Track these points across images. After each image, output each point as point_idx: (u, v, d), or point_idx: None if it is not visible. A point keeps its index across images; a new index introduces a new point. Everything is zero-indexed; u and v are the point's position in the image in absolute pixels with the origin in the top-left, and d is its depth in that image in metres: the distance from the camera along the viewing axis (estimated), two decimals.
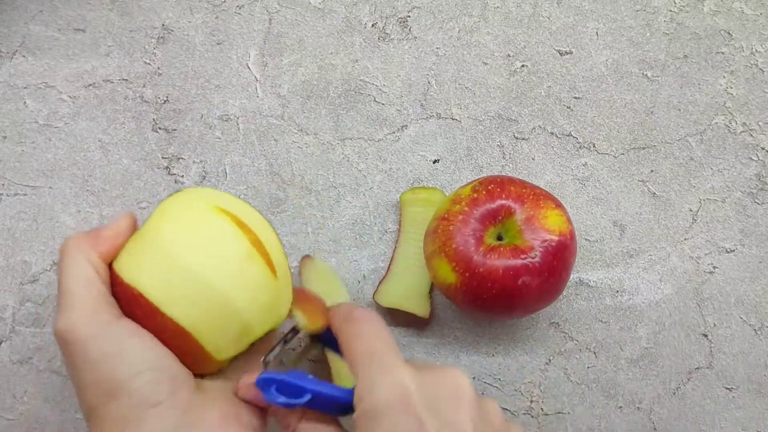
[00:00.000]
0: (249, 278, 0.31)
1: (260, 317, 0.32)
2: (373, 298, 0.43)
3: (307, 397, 0.29)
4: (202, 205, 0.33)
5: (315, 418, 0.31)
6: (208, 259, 0.30)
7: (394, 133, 0.47)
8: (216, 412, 0.30)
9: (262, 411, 0.32)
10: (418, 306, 0.42)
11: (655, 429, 0.42)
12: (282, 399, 0.29)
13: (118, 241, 0.32)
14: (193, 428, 0.29)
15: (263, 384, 0.30)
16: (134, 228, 0.34)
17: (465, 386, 0.28)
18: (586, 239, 0.45)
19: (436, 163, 0.46)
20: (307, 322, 0.34)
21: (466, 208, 0.38)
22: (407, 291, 0.43)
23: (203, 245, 0.31)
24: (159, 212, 0.33)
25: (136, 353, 0.29)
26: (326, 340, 0.34)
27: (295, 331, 0.34)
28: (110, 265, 0.32)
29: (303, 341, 0.35)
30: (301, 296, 0.36)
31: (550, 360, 0.43)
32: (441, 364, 0.43)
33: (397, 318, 0.43)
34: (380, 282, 0.43)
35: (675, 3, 0.49)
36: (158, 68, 0.47)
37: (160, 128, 0.46)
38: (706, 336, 0.44)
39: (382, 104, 0.47)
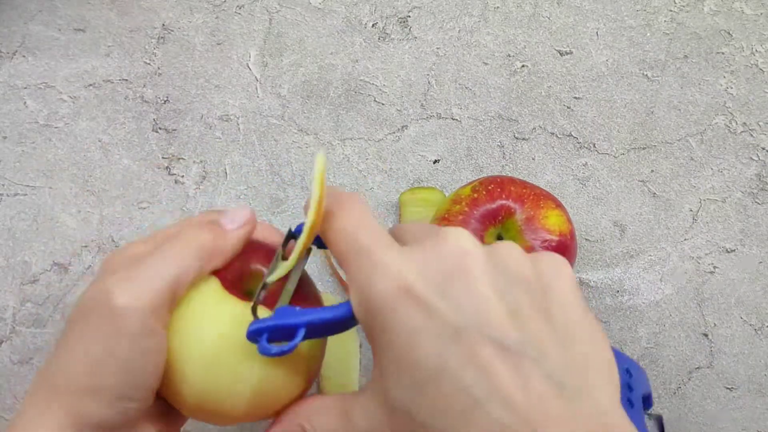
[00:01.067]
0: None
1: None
2: None
3: (300, 336, 0.26)
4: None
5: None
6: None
7: (394, 133, 0.47)
8: None
9: None
10: None
11: None
12: (275, 349, 0.26)
13: (230, 254, 0.29)
14: None
15: (254, 335, 0.26)
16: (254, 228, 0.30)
17: (468, 248, 0.23)
18: (586, 239, 0.45)
19: (437, 163, 0.46)
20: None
21: (466, 209, 0.38)
22: None
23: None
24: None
25: (145, 376, 0.26)
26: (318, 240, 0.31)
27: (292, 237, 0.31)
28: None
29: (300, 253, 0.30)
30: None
31: None
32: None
33: None
34: None
35: (675, 3, 0.49)
36: (158, 68, 0.47)
37: (160, 128, 0.46)
38: (706, 336, 0.44)
39: (383, 104, 0.47)
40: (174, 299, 0.26)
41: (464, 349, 0.21)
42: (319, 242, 0.29)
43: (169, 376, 0.28)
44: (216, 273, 0.29)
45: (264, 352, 0.26)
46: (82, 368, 0.26)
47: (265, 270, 0.30)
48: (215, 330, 0.27)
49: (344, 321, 0.26)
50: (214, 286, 0.28)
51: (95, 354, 0.25)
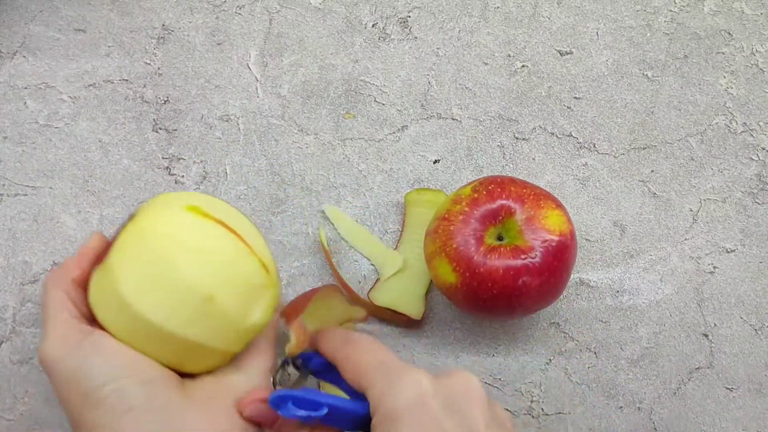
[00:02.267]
0: (221, 260, 0.31)
1: (241, 301, 0.31)
2: (368, 295, 0.43)
3: (324, 410, 0.30)
4: (173, 205, 0.33)
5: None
6: (186, 253, 0.31)
7: (394, 133, 0.47)
8: (199, 413, 0.30)
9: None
10: (413, 307, 0.42)
11: (655, 429, 0.42)
12: (302, 413, 0.30)
13: (87, 260, 0.34)
14: (174, 430, 0.29)
15: (279, 401, 0.30)
16: (103, 242, 0.35)
17: (476, 387, 0.30)
18: (586, 239, 0.45)
19: (437, 164, 0.46)
20: (294, 342, 0.34)
21: (466, 208, 0.38)
22: (403, 291, 0.43)
23: (177, 239, 0.31)
24: (133, 223, 0.33)
25: (100, 365, 0.30)
26: (314, 367, 0.35)
27: (286, 361, 0.35)
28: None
29: (293, 371, 0.36)
30: (293, 310, 0.36)
31: (550, 360, 0.43)
32: (443, 365, 0.43)
33: (389, 317, 0.43)
34: (377, 280, 0.43)
35: (675, 3, 0.49)
36: (158, 68, 0.47)
37: (160, 128, 0.46)
38: (706, 336, 0.44)
39: (383, 104, 0.47)
40: (76, 312, 0.32)
41: None
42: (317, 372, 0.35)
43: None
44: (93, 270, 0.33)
45: (289, 415, 0.30)
46: (66, 405, 0.30)
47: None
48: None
49: (359, 417, 0.30)
50: (95, 275, 0.32)
51: (60, 392, 0.30)
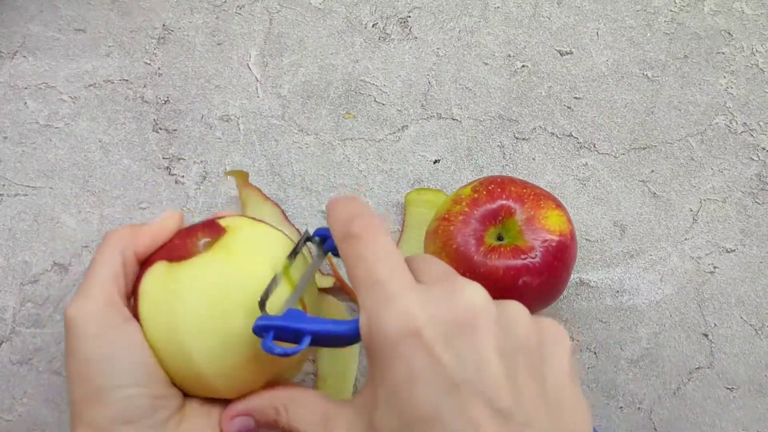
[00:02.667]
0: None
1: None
2: None
3: (306, 342, 0.27)
4: (268, 249, 0.31)
5: None
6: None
7: (394, 133, 0.47)
8: None
9: None
10: None
11: (655, 429, 0.42)
12: (278, 349, 0.27)
13: (159, 239, 0.32)
14: None
15: (260, 331, 0.27)
16: (179, 227, 0.33)
17: (481, 305, 0.25)
18: (586, 239, 0.45)
19: (437, 164, 0.46)
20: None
21: (466, 209, 0.38)
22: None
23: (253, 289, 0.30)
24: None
25: (126, 365, 0.29)
26: (329, 248, 0.32)
27: (306, 239, 0.32)
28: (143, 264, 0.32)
29: (310, 255, 0.32)
30: None
31: None
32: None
33: None
34: None
35: (675, 3, 0.49)
36: (159, 68, 0.47)
37: (160, 128, 0.46)
38: (706, 336, 0.44)
39: (383, 104, 0.47)
40: (124, 289, 0.30)
41: (459, 403, 0.23)
42: (336, 251, 0.31)
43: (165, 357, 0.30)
44: (159, 257, 0.31)
45: (267, 350, 0.27)
46: (73, 383, 0.28)
47: (204, 241, 0.32)
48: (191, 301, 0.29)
49: (349, 338, 0.27)
50: (161, 267, 0.31)
51: (75, 366, 0.28)
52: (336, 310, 0.43)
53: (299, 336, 0.27)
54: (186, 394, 0.32)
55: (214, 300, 0.29)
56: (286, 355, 0.27)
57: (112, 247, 0.30)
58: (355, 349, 0.43)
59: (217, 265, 0.30)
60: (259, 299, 0.28)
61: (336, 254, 0.31)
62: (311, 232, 0.33)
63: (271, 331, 0.27)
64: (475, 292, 0.25)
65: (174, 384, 0.31)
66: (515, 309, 0.26)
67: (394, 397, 0.24)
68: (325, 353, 0.43)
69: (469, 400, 0.23)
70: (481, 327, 0.24)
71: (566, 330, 0.43)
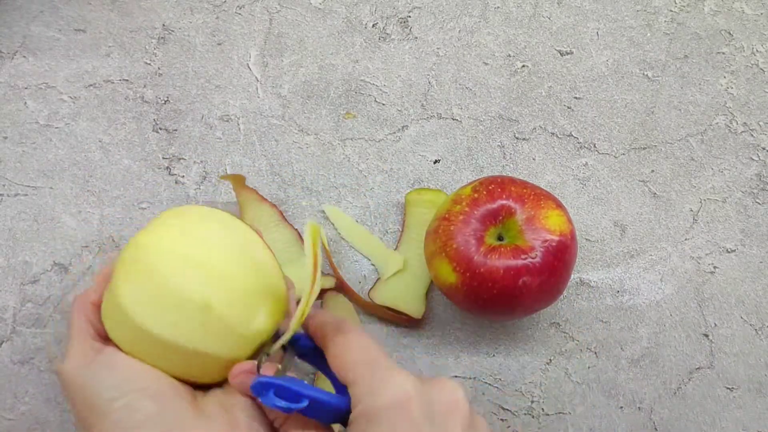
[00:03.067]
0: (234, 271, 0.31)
1: (240, 307, 0.31)
2: (368, 295, 0.43)
3: (304, 403, 0.29)
4: (167, 217, 0.33)
5: (313, 426, 0.31)
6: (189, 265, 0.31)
7: (394, 133, 0.47)
8: (209, 427, 0.30)
9: (261, 421, 0.32)
10: (413, 307, 0.42)
11: (655, 429, 0.42)
12: (282, 403, 0.29)
13: (102, 286, 0.34)
14: None
15: (260, 388, 0.30)
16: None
17: (461, 399, 0.29)
18: (586, 239, 0.45)
19: (437, 163, 0.46)
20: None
21: (466, 209, 0.38)
22: (404, 291, 0.43)
23: (169, 250, 0.31)
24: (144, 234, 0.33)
25: (109, 380, 0.30)
26: (301, 349, 0.34)
27: (276, 336, 0.34)
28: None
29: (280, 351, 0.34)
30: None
31: (550, 360, 0.43)
32: (443, 365, 0.43)
33: (389, 317, 0.43)
34: (377, 280, 0.43)
35: (675, 3, 0.49)
36: (159, 68, 0.47)
37: (160, 128, 0.46)
38: (706, 336, 0.44)
39: (383, 104, 0.47)
40: (91, 341, 0.33)
41: None
42: (303, 355, 0.34)
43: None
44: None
45: (268, 404, 0.29)
46: (80, 425, 0.31)
47: None
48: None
49: (340, 412, 0.30)
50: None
51: (75, 408, 0.31)
52: (345, 308, 0.43)
53: (298, 398, 0.30)
54: (198, 387, 0.32)
55: (140, 275, 0.31)
56: (289, 410, 0.29)
57: (76, 312, 0.34)
58: None
59: (127, 250, 0.32)
60: (257, 362, 0.31)
61: (301, 357, 0.34)
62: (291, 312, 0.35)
63: (272, 388, 0.30)
64: (458, 387, 0.30)
65: (180, 378, 0.32)
66: (484, 422, 0.31)
67: None
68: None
69: None
70: (459, 416, 0.29)
71: (567, 331, 0.43)
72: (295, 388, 0.30)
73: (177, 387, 0.31)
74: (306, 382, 0.32)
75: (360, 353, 0.30)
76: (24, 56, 0.47)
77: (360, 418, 0.28)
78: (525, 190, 0.38)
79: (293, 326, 0.31)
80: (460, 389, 0.30)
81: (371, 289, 0.43)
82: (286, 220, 0.44)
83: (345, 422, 0.30)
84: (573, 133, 0.47)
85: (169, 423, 0.29)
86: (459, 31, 0.48)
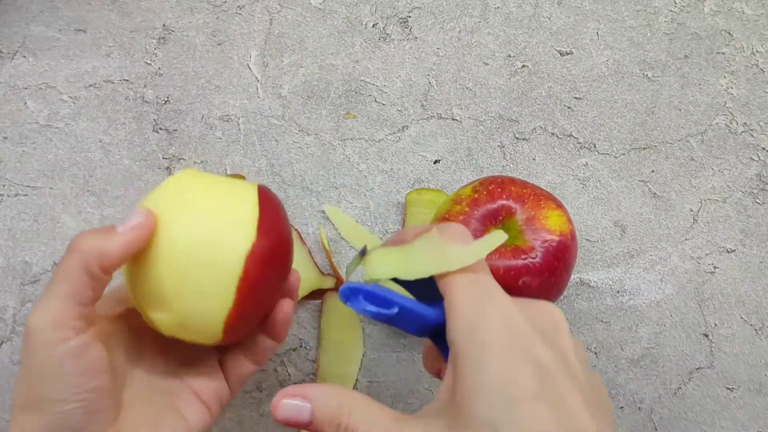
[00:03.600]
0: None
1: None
2: None
3: (395, 309, 0.28)
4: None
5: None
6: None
7: (394, 133, 0.47)
8: None
9: None
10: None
11: (656, 429, 0.42)
12: (372, 308, 0.28)
13: (130, 250, 0.30)
14: None
15: (349, 293, 0.28)
16: (152, 231, 0.31)
17: (562, 318, 0.28)
18: (586, 239, 0.45)
19: (437, 164, 0.46)
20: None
21: (466, 209, 0.38)
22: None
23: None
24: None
25: (68, 379, 0.29)
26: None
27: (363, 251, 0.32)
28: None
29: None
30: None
31: None
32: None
33: None
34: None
35: (675, 3, 0.49)
36: (159, 69, 0.47)
37: (160, 129, 0.46)
38: (706, 336, 0.44)
39: (383, 105, 0.47)
40: (79, 312, 0.29)
41: (555, 389, 0.25)
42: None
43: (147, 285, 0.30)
44: None
45: (359, 309, 0.28)
46: (18, 388, 0.29)
47: None
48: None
49: (431, 323, 0.28)
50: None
51: (24, 371, 0.29)
52: (344, 308, 0.43)
53: (389, 304, 0.28)
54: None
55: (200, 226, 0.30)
56: (379, 316, 0.27)
57: (75, 263, 0.29)
58: (356, 350, 0.43)
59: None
60: (346, 268, 0.29)
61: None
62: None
63: (361, 294, 0.28)
64: (557, 309, 0.29)
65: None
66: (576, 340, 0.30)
67: (496, 382, 0.25)
68: (326, 354, 0.43)
69: (563, 388, 0.25)
70: (564, 333, 0.28)
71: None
72: (386, 294, 0.28)
73: (107, 405, 0.30)
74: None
75: (467, 267, 0.28)
76: (24, 56, 0.47)
77: (468, 338, 0.26)
78: (525, 190, 0.38)
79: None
80: (559, 310, 0.29)
81: None
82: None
83: (434, 335, 0.29)
84: (573, 133, 0.47)
85: None
86: (459, 31, 0.48)
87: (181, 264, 0.29)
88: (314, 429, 0.28)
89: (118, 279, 0.32)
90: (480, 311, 0.27)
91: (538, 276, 0.36)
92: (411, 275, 0.29)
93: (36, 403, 0.28)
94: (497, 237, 0.29)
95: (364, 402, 0.28)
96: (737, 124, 0.47)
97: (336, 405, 0.27)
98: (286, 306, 0.34)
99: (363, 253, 0.30)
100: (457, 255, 0.28)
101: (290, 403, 0.28)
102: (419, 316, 0.28)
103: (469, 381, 0.26)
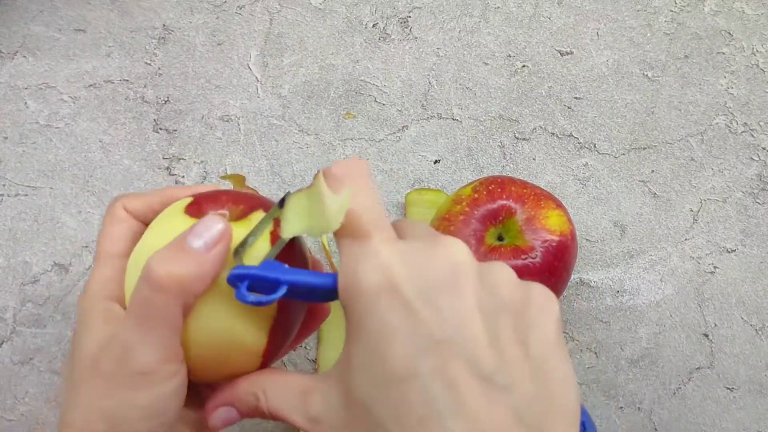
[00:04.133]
0: None
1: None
2: None
3: (281, 292, 0.25)
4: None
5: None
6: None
7: (394, 133, 0.47)
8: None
9: None
10: None
11: (655, 429, 0.42)
12: (251, 298, 0.25)
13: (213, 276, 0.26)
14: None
15: (233, 281, 0.25)
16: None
17: (464, 263, 0.23)
18: (586, 239, 0.45)
19: (437, 164, 0.46)
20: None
21: (467, 209, 0.38)
22: None
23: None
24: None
25: (171, 413, 0.26)
26: None
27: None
28: None
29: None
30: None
31: None
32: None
33: None
34: None
35: (676, 3, 0.49)
36: (159, 68, 0.47)
37: (160, 129, 0.46)
38: (706, 336, 0.44)
39: (383, 105, 0.47)
40: (181, 343, 0.26)
41: (438, 361, 0.21)
42: None
43: None
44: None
45: (240, 298, 0.25)
46: (77, 370, 0.26)
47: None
48: None
49: (327, 291, 0.25)
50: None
51: (84, 349, 0.26)
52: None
53: (275, 287, 0.25)
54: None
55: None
56: (260, 304, 0.25)
57: (172, 302, 0.25)
58: None
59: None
60: (234, 249, 0.26)
61: None
62: (292, 191, 0.30)
63: (246, 280, 0.25)
64: (458, 249, 0.23)
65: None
66: (501, 269, 0.24)
67: (370, 356, 0.22)
68: (326, 354, 0.43)
69: (449, 359, 0.21)
70: (464, 284, 0.23)
71: (566, 331, 0.43)
72: (273, 275, 0.25)
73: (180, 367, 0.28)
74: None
75: (351, 218, 0.24)
76: (24, 56, 0.47)
77: (348, 305, 0.23)
78: (525, 190, 0.38)
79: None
80: (461, 250, 0.23)
81: None
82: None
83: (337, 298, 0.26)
84: (573, 133, 0.47)
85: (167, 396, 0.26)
86: (459, 31, 0.48)
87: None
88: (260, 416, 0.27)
89: None
90: (356, 270, 0.23)
91: (538, 276, 0.36)
92: (316, 233, 0.26)
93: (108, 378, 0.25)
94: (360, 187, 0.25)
95: (274, 381, 0.26)
96: (737, 124, 0.47)
97: (253, 396, 0.26)
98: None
99: (281, 204, 0.28)
100: (333, 210, 0.25)
101: (218, 414, 0.27)
102: (316, 287, 0.25)
103: (349, 352, 0.23)
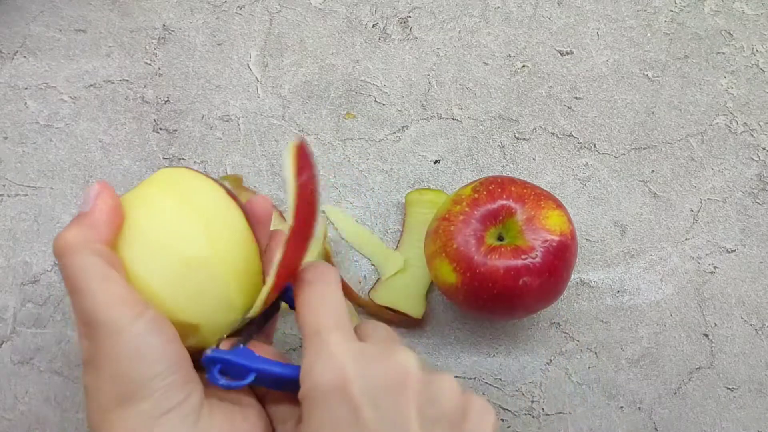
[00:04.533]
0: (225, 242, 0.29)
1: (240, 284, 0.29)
2: (368, 295, 0.43)
3: (250, 378, 0.28)
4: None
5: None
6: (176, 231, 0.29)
7: (394, 133, 0.47)
8: (223, 418, 0.28)
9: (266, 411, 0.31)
10: (413, 307, 0.42)
11: (656, 429, 0.42)
12: (223, 381, 0.28)
13: (116, 225, 0.28)
14: None
15: (207, 363, 0.28)
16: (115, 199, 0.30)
17: (412, 371, 0.26)
18: (586, 239, 0.45)
19: (437, 164, 0.46)
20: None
21: (467, 209, 0.38)
22: (404, 291, 0.43)
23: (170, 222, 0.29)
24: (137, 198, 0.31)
25: (157, 352, 0.26)
26: (289, 300, 0.32)
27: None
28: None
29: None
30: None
31: (551, 360, 0.43)
32: (443, 365, 0.43)
33: (389, 317, 0.43)
34: (377, 280, 0.43)
35: (676, 3, 0.49)
36: (159, 69, 0.47)
37: (161, 129, 0.46)
38: (707, 336, 0.44)
39: (383, 105, 0.47)
40: (121, 270, 0.27)
41: None
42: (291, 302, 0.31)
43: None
44: None
45: (212, 381, 0.28)
46: (102, 388, 0.27)
47: None
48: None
49: (291, 382, 0.28)
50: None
51: (105, 367, 0.27)
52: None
53: (245, 373, 0.28)
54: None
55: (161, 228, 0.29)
56: (229, 388, 0.28)
57: (81, 254, 0.27)
58: None
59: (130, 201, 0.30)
60: (218, 338, 0.29)
61: (291, 307, 0.31)
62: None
63: (219, 365, 0.28)
64: (408, 358, 0.26)
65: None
66: (446, 381, 0.27)
67: None
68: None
69: None
70: (408, 391, 0.25)
71: (567, 331, 0.43)
72: (243, 362, 0.28)
73: (196, 374, 0.29)
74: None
75: (310, 316, 0.27)
76: (24, 56, 0.47)
77: (303, 398, 0.26)
78: (525, 190, 0.38)
79: (257, 308, 0.29)
80: (410, 358, 0.26)
81: (371, 289, 0.43)
82: (286, 220, 0.44)
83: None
84: (573, 133, 0.47)
85: (192, 413, 0.27)
86: (459, 31, 0.48)
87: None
88: None
89: None
90: (313, 366, 0.26)
91: (539, 276, 0.36)
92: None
93: (131, 391, 0.26)
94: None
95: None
96: (737, 124, 0.47)
97: None
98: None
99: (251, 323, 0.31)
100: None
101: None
102: (282, 377, 0.28)
103: None
